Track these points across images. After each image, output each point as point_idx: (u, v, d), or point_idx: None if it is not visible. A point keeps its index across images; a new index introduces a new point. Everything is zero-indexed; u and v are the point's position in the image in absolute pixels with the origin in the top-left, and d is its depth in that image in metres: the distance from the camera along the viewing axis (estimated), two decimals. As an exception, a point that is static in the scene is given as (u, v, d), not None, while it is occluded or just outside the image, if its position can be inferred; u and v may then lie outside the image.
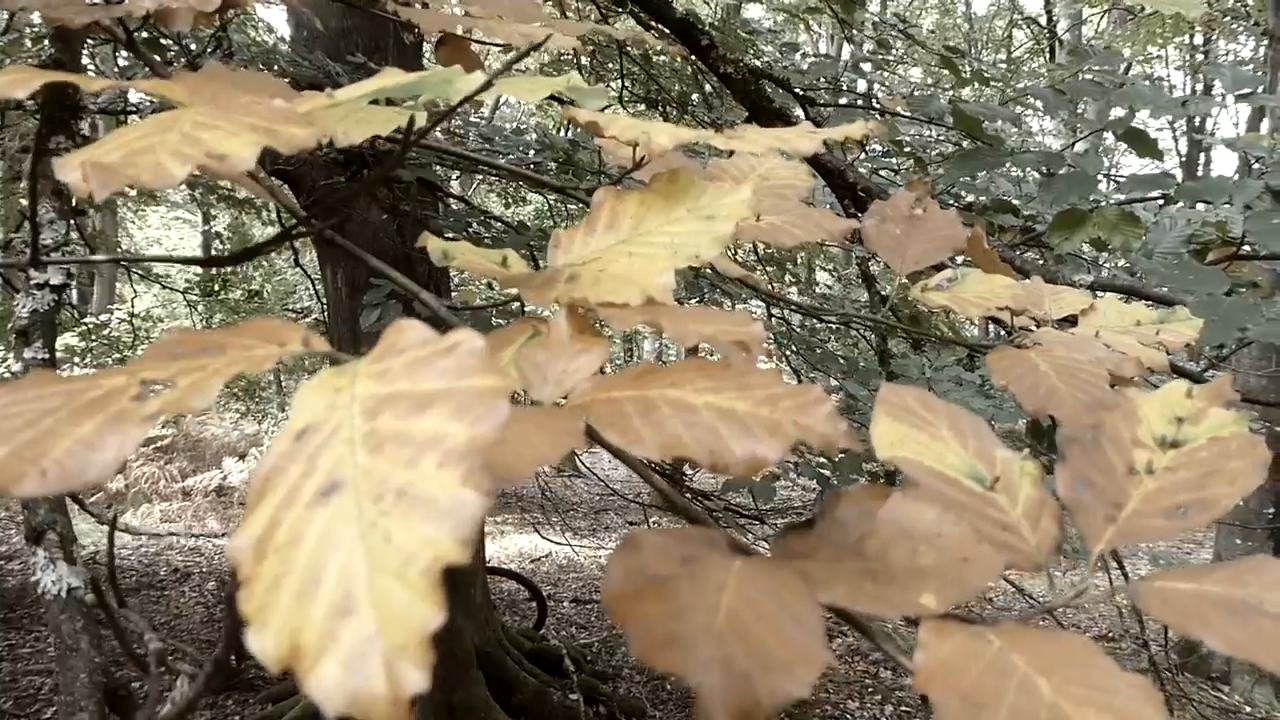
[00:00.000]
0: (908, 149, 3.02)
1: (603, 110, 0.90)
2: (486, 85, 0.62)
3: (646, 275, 0.65)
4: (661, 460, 0.45)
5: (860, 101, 3.61)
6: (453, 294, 5.54)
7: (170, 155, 0.46)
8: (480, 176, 6.36)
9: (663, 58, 5.89)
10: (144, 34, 4.35)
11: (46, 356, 0.89)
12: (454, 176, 6.91)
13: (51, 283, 0.92)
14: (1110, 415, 0.76)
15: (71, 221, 0.98)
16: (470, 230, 4.86)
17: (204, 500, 9.79)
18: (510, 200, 7.28)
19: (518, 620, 7.14)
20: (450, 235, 5.12)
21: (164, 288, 9.11)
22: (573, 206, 6.86)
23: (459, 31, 1.25)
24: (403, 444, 0.34)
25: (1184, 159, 16.99)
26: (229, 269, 8.83)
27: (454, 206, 5.46)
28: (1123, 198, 1.90)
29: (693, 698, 0.38)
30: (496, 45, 1.10)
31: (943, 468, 0.64)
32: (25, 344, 0.90)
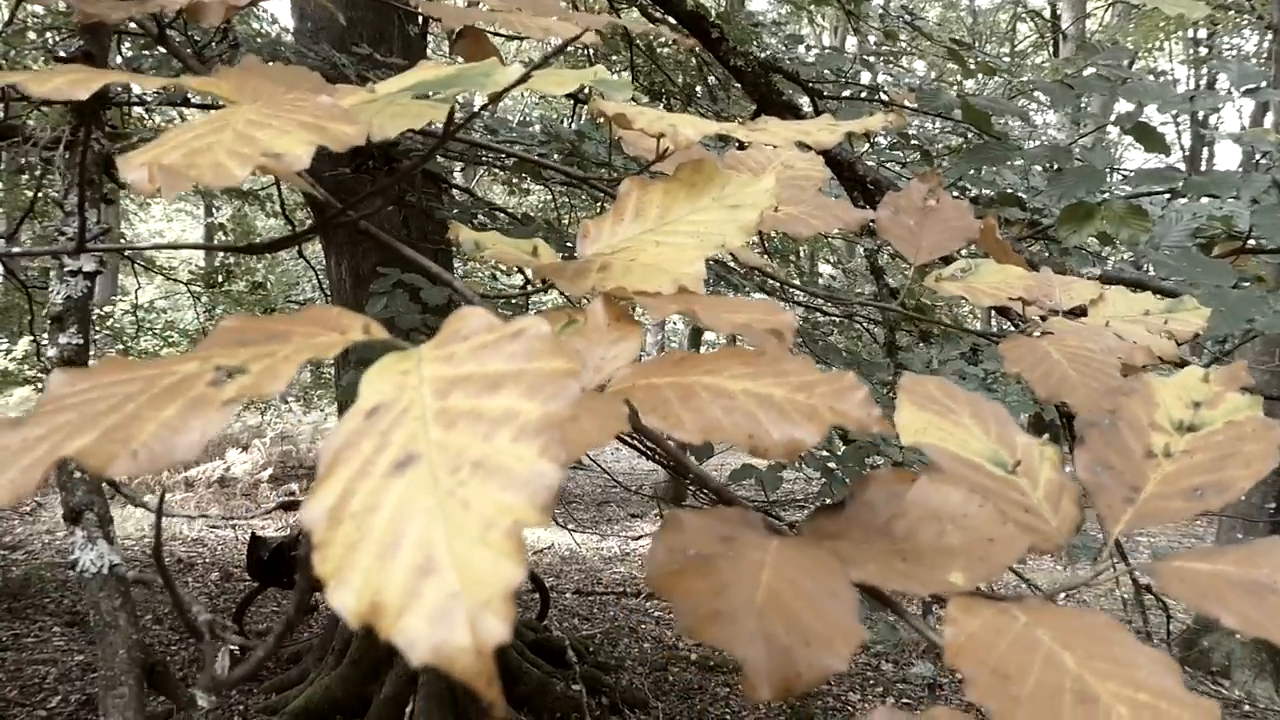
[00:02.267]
0: (914, 143, 3.03)
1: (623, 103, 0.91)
2: (524, 78, 0.63)
3: (677, 264, 0.67)
4: (701, 443, 0.47)
5: (867, 94, 3.62)
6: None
7: (228, 155, 0.48)
8: (484, 168, 6.36)
9: (666, 50, 5.89)
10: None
11: (81, 342, 0.91)
12: (459, 168, 6.92)
13: (85, 269, 0.94)
14: (1128, 400, 0.78)
15: (101, 209, 1.00)
16: (475, 221, 4.87)
17: (206, 491, 9.82)
18: (513, 191, 7.29)
19: (520, 611, 7.16)
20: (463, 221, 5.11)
21: (167, 279, 9.12)
22: (576, 199, 6.87)
23: (479, 25, 1.26)
24: (476, 420, 0.36)
25: (1187, 154, 16.97)
26: (232, 259, 8.84)
27: (458, 198, 5.46)
28: (1130, 191, 1.91)
29: (740, 669, 0.40)
30: (516, 39, 1.12)
31: (966, 453, 0.65)
32: (60, 329, 0.92)
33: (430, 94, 0.85)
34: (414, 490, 0.34)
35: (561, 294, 0.69)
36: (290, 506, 7.40)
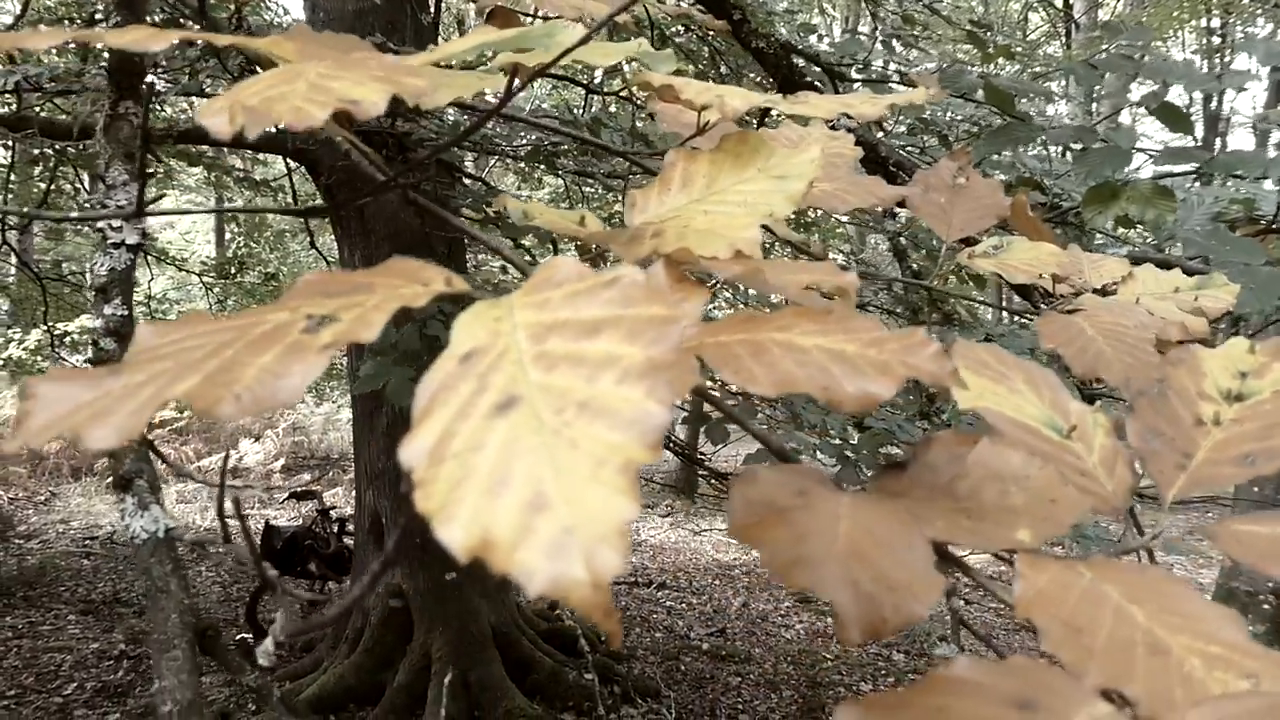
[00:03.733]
0: (933, 127, 3.03)
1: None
2: (585, 40, 0.63)
3: (731, 230, 0.67)
4: (776, 396, 0.47)
5: (891, 73, 3.61)
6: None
7: (305, 100, 0.48)
8: (495, 158, 6.36)
9: (679, 40, 5.87)
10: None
11: (125, 313, 0.92)
12: (471, 157, 6.92)
13: (128, 242, 0.95)
14: (1175, 370, 0.78)
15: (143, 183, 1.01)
16: (489, 211, 4.87)
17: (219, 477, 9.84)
18: (525, 180, 7.29)
19: (531, 602, 7.19)
20: (468, 215, 5.14)
21: (180, 269, 9.15)
22: (588, 189, 6.86)
23: (509, 6, 1.26)
24: (578, 364, 0.36)
25: (1198, 143, 16.89)
26: (243, 251, 8.89)
27: (471, 186, 5.47)
28: (1156, 170, 1.90)
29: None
30: (550, 18, 1.12)
31: (1022, 417, 0.66)
32: (105, 300, 0.93)
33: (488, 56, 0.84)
34: (518, 430, 0.34)
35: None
36: (303, 496, 7.42)
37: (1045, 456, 0.62)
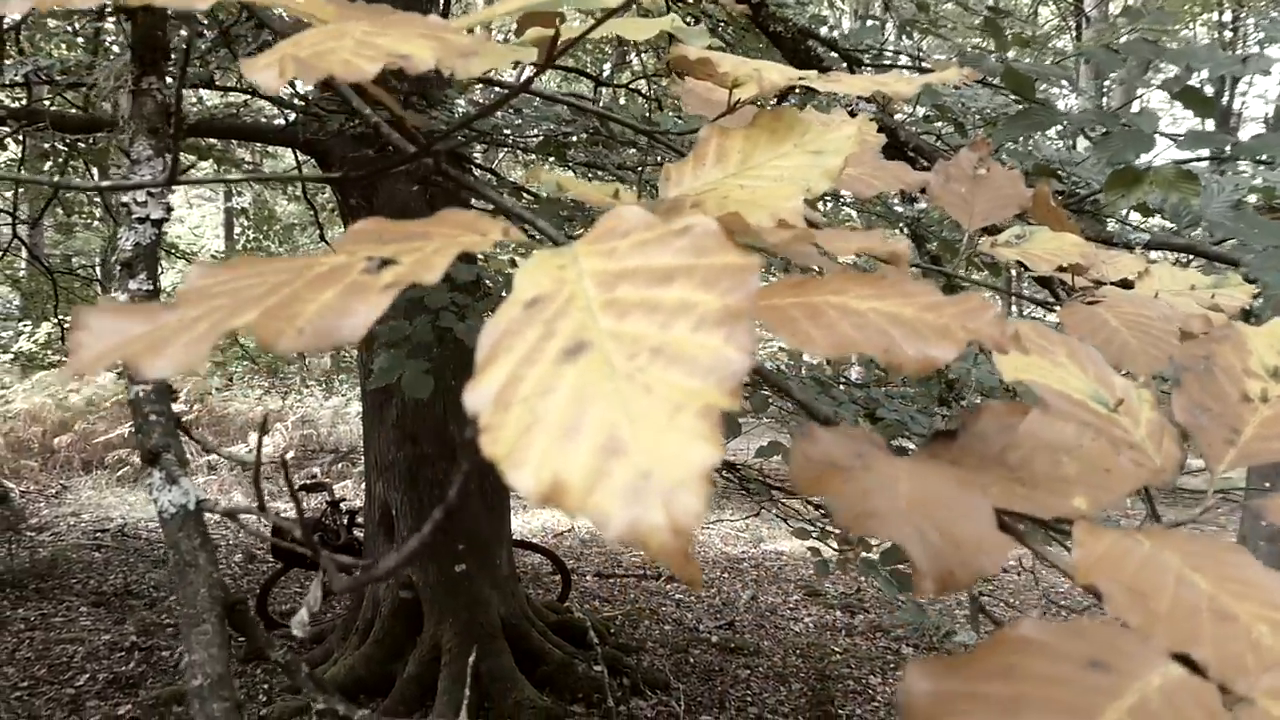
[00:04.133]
0: (950, 114, 3.01)
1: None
2: (628, 4, 0.63)
3: (774, 200, 0.66)
4: (834, 358, 0.46)
5: (903, 62, 3.59)
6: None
7: (353, 55, 0.48)
8: (505, 149, 6.36)
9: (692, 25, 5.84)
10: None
11: (151, 288, 0.92)
12: (481, 149, 6.92)
13: (152, 217, 0.94)
14: (1220, 347, 0.77)
15: (167, 157, 1.01)
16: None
17: (229, 475, 9.88)
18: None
19: (542, 593, 7.20)
20: (477, 206, 5.13)
21: (189, 263, 9.15)
22: (598, 181, 6.85)
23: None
24: (651, 311, 0.35)
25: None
26: (252, 244, 8.90)
27: (481, 178, 5.46)
28: (1177, 156, 1.89)
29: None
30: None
31: (1069, 390, 0.65)
32: (130, 275, 0.92)
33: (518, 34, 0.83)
34: (589, 376, 0.34)
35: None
36: (312, 489, 7.43)
37: (1093, 429, 0.62)
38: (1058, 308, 1.29)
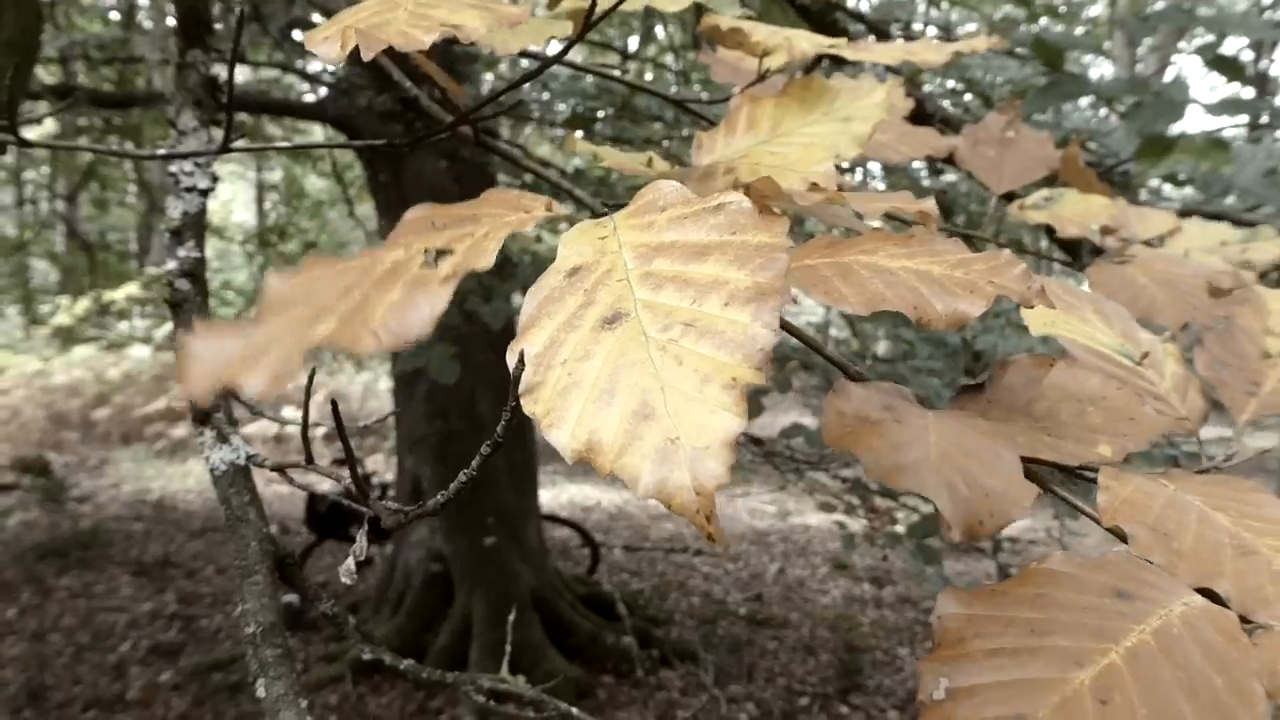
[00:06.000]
0: (976, 86, 2.99)
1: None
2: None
3: (806, 164, 0.68)
4: (867, 314, 0.49)
5: (932, 33, 3.56)
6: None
7: (409, 25, 0.50)
8: (531, 125, 6.37)
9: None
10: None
11: (199, 255, 0.95)
12: (508, 124, 6.93)
13: (200, 186, 0.98)
14: (1239, 308, 0.79)
15: (210, 130, 1.04)
16: (525, 179, 4.89)
17: (262, 447, 10.02)
18: (560, 148, 7.29)
19: (571, 566, 7.27)
20: (505, 181, 5.16)
21: (221, 239, 9.28)
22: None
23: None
24: (684, 285, 0.38)
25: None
26: (283, 220, 8.99)
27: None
28: (1213, 123, 1.87)
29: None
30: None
31: (1095, 344, 0.67)
32: (179, 243, 0.96)
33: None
34: (625, 344, 0.37)
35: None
36: (343, 463, 7.54)
37: (1120, 380, 0.64)
38: (1084, 271, 1.30)
